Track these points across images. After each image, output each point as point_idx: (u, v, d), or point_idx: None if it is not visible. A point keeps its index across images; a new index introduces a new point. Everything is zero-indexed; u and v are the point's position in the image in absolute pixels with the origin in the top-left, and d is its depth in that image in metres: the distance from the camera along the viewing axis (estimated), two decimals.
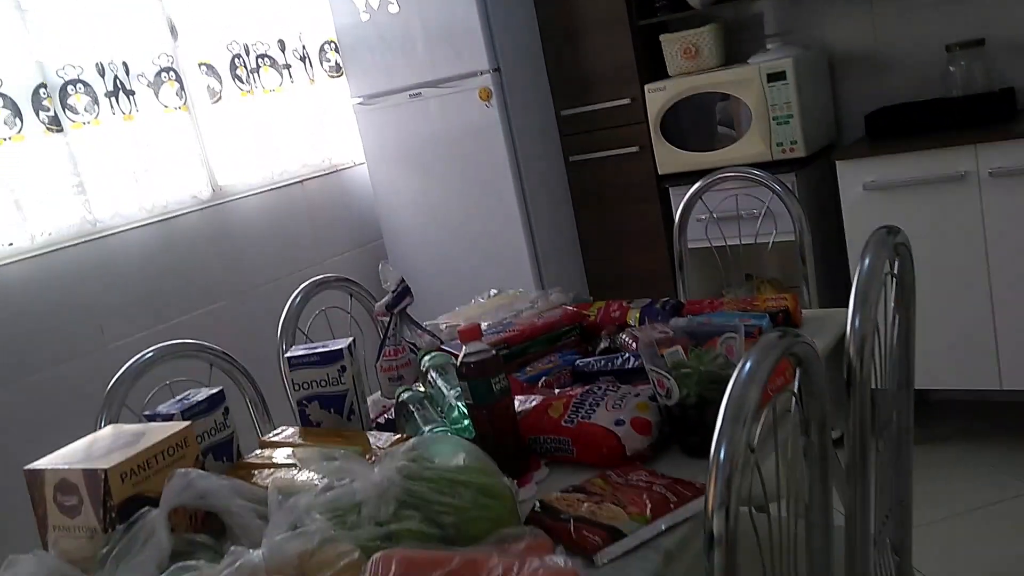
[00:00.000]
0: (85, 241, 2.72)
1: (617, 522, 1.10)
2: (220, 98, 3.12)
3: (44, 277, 2.62)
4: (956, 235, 2.67)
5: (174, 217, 2.97)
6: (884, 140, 2.84)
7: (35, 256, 2.60)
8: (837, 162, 2.81)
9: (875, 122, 2.92)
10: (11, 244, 2.55)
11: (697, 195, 2.38)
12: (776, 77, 2.91)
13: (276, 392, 2.01)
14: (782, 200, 2.29)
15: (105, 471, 1.18)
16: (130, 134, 2.82)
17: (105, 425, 1.65)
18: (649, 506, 1.12)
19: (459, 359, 1.32)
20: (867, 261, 1.31)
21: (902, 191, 2.72)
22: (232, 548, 1.06)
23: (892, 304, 1.44)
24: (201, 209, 3.05)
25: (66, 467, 1.21)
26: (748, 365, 0.99)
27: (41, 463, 1.25)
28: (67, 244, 2.67)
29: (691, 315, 1.80)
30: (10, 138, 2.53)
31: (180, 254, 2.98)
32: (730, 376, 1.25)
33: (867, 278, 1.29)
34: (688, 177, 2.94)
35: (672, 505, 1.13)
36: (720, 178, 2.39)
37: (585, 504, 1.14)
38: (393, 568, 1.02)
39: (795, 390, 1.09)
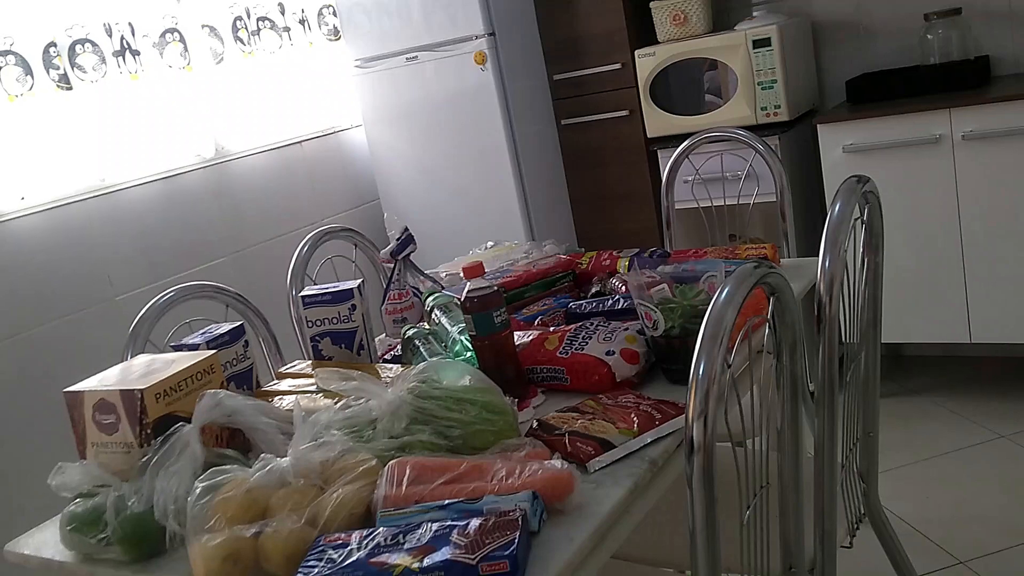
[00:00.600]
0: (94, 196, 2.81)
1: (607, 435, 1.22)
2: (222, 59, 3.21)
3: (55, 230, 2.71)
4: (930, 195, 2.79)
5: (178, 175, 3.06)
6: (864, 105, 2.96)
7: (46, 210, 2.69)
8: (818, 125, 2.92)
9: (855, 88, 3.03)
10: (23, 198, 2.63)
11: (684, 154, 2.49)
12: (761, 44, 3.01)
13: (283, 336, 2.13)
14: (764, 159, 2.40)
15: (141, 391, 1.29)
16: (136, 93, 2.91)
17: (131, 356, 1.76)
18: (636, 422, 1.24)
19: (463, 294, 1.44)
20: (837, 207, 1.42)
21: (880, 153, 2.83)
22: (262, 455, 1.18)
23: (861, 248, 1.56)
24: (204, 167, 3.14)
25: (104, 388, 1.33)
26: (726, 290, 1.11)
27: (80, 386, 1.36)
28: (77, 199, 2.76)
29: (676, 263, 1.92)
30: (22, 95, 2.62)
31: (184, 211, 3.07)
32: None
33: (837, 222, 1.40)
34: (676, 140, 3.04)
35: (657, 421, 1.25)
36: (706, 138, 2.49)
37: (579, 421, 1.27)
38: (408, 472, 1.14)
39: (768, 316, 1.21)
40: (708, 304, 1.13)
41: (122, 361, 1.58)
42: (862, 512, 1.71)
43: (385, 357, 1.72)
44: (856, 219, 1.50)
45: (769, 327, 1.22)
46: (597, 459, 1.19)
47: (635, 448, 1.21)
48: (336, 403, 1.36)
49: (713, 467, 1.07)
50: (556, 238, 3.41)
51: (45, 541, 1.28)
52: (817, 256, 1.39)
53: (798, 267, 1.83)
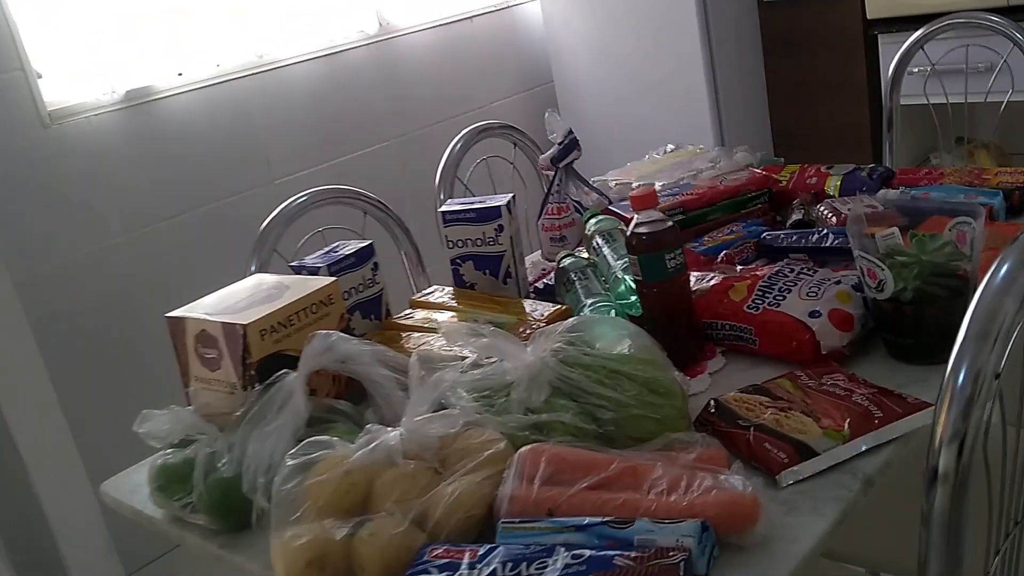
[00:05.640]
0: (253, 73, 2.66)
1: (807, 437, 0.93)
2: None
3: (213, 109, 2.59)
4: None
5: (340, 52, 2.86)
6: None
7: (204, 87, 2.56)
8: None
9: None
10: (180, 75, 2.51)
11: (919, 44, 2.04)
12: None
13: (434, 244, 1.92)
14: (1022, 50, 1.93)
15: (244, 327, 1.10)
16: None
17: (255, 269, 1.60)
18: (848, 420, 0.94)
19: (629, 229, 1.15)
20: None
21: None
22: (368, 425, 0.97)
23: None
24: (367, 44, 2.93)
25: (207, 318, 1.15)
26: (1005, 269, 0.77)
27: (183, 311, 1.19)
28: (234, 76, 2.62)
29: (903, 185, 1.55)
30: None
31: (346, 90, 2.89)
32: (959, 270, 1.03)
33: None
34: (901, 24, 2.57)
35: (876, 421, 0.94)
36: (947, 24, 2.04)
37: (769, 410, 0.98)
38: (542, 466, 0.90)
39: None
40: (956, 261, 0.80)
41: (246, 274, 1.41)
42: None
43: (536, 285, 1.47)
44: None
45: None
46: (791, 470, 0.90)
47: (844, 458, 0.92)
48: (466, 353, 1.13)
49: (963, 511, 0.77)
50: (748, 134, 3.04)
51: (140, 485, 1.14)
52: None
53: None
